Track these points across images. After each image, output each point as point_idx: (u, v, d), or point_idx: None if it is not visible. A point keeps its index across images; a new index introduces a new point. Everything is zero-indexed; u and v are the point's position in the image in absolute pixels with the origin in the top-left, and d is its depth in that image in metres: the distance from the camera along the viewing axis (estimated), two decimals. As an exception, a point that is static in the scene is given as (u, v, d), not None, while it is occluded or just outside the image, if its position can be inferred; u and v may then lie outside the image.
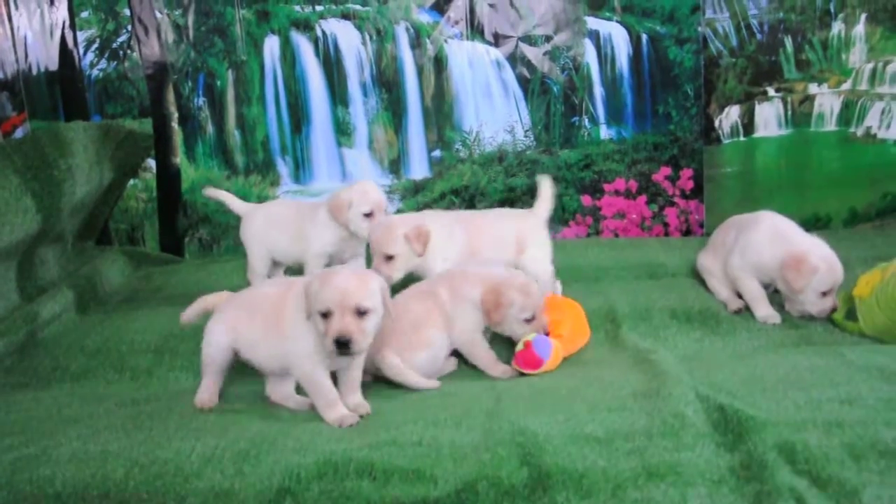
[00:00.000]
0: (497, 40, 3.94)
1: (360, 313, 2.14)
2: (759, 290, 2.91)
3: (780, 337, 2.78)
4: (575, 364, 2.61)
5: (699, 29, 3.87)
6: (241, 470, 1.92)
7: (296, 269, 3.22)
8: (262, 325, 2.33)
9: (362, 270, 2.60)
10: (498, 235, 3.01)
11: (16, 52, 3.93)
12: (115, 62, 3.95)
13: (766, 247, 2.86)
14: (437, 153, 4.03)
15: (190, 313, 2.56)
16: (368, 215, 3.02)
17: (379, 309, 2.19)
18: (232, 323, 2.41)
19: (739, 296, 2.96)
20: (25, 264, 3.28)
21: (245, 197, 4.01)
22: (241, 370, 2.78)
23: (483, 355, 2.59)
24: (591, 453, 1.90)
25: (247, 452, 1.97)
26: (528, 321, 2.55)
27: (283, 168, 4.04)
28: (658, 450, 1.89)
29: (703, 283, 3.17)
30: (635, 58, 3.93)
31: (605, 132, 4.01)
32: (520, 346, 2.54)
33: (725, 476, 1.82)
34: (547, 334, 2.58)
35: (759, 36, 3.89)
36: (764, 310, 2.88)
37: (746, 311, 2.94)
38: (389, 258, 2.88)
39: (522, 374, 2.53)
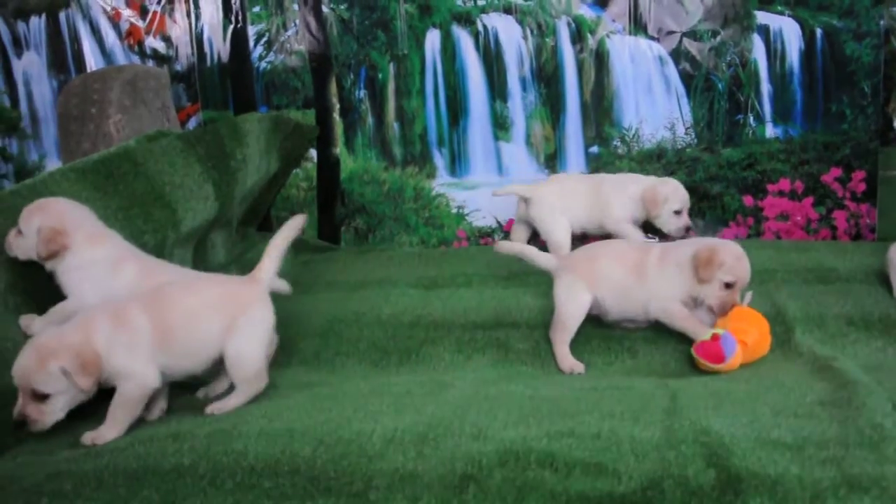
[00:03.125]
0: (660, 35, 3.86)
1: None
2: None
3: (974, 350, 2.61)
4: (748, 367, 2.53)
5: (881, 23, 3.66)
6: (421, 453, 1.94)
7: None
8: None
9: None
10: None
11: (192, 46, 4.14)
12: (283, 55, 4.09)
13: None
14: (594, 149, 3.99)
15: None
16: (678, 213, 3.28)
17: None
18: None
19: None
20: (200, 248, 3.45)
21: (401, 189, 4.11)
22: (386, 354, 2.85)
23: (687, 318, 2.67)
24: (783, 459, 1.83)
25: (425, 436, 2.00)
26: (728, 286, 2.61)
27: (440, 160, 4.09)
28: (857, 461, 1.80)
29: (882, 287, 3.00)
30: (808, 53, 3.76)
31: (770, 130, 3.85)
32: (706, 337, 2.51)
33: (936, 494, 1.71)
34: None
35: (947, 29, 3.66)
36: (954, 320, 2.71)
37: None
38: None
39: (693, 366, 2.51)
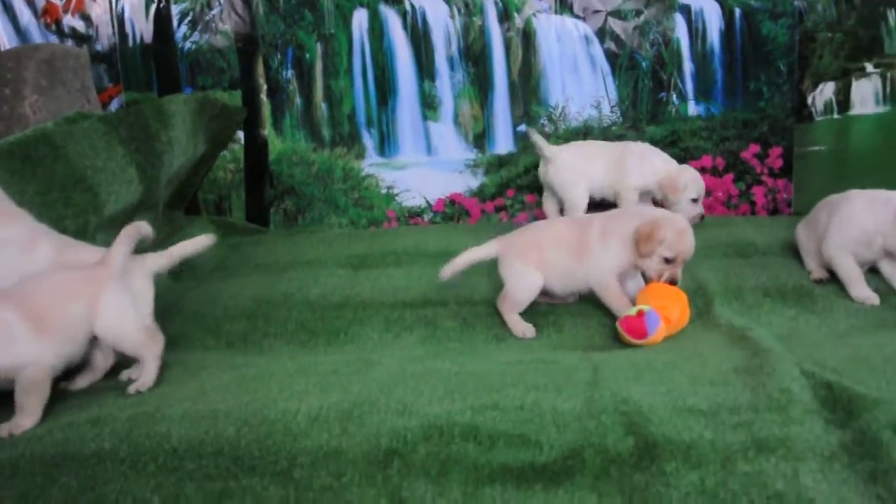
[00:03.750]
0: (586, 14, 3.90)
1: None
2: (856, 270, 2.84)
3: (880, 317, 2.71)
4: (668, 339, 2.60)
5: (795, 2, 3.77)
6: (346, 430, 1.95)
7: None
8: None
9: None
10: None
11: (113, 26, 4.04)
12: (207, 35, 4.02)
13: (867, 216, 2.82)
14: (522, 128, 4.02)
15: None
16: (695, 200, 3.44)
17: None
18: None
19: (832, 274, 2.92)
20: (123, 231, 3.39)
21: (331, 170, 4.09)
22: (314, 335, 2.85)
23: (619, 296, 2.71)
24: (697, 425, 1.88)
25: (350, 413, 2.01)
26: (669, 261, 2.64)
27: (369, 141, 4.08)
28: (766, 424, 1.87)
29: (795, 260, 3.12)
30: (727, 33, 3.86)
31: (693, 108, 3.94)
32: (632, 312, 2.55)
33: (837, 452, 1.79)
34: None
35: (858, 8, 3.77)
36: (862, 290, 2.81)
37: (829, 281, 2.91)
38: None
39: (617, 338, 2.57)
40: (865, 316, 2.73)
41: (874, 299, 2.79)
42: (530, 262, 2.81)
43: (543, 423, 1.94)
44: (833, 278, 2.92)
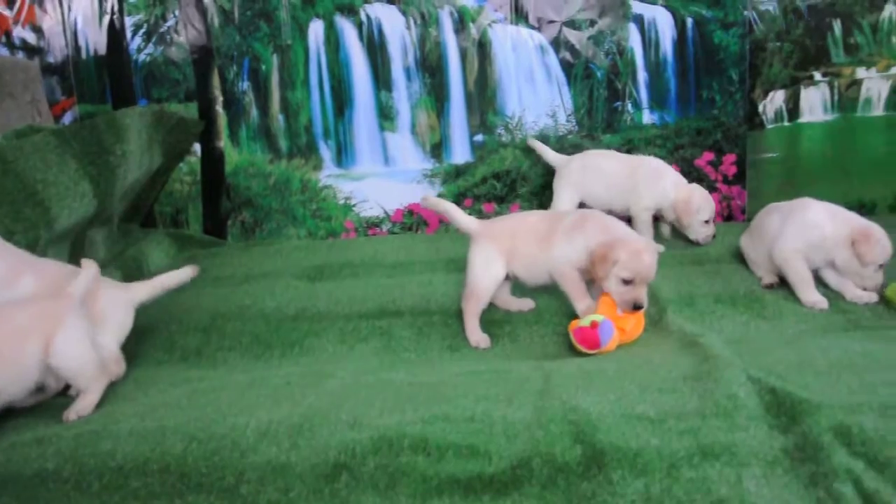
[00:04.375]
0: (541, 25, 3.93)
1: None
2: (807, 274, 2.88)
3: (827, 321, 2.75)
4: (621, 346, 2.62)
5: (745, 13, 3.83)
6: (296, 444, 1.95)
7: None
8: None
9: None
10: None
11: (66, 37, 4.00)
12: (162, 47, 3.99)
13: (828, 224, 2.87)
14: (479, 137, 4.04)
15: None
16: (707, 222, 3.43)
17: None
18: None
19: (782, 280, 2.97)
20: (77, 245, 3.35)
21: (288, 181, 4.07)
22: (269, 347, 2.84)
23: (577, 284, 2.72)
24: (645, 432, 1.90)
25: (300, 426, 2.01)
26: (627, 282, 2.59)
27: (326, 152, 4.07)
28: (712, 430, 1.89)
29: (748, 267, 3.16)
30: (680, 42, 3.90)
31: (647, 117, 3.99)
32: (585, 322, 2.55)
33: (780, 457, 1.82)
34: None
35: (806, 19, 3.85)
36: (812, 295, 2.85)
37: (779, 287, 2.95)
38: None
39: (572, 348, 2.57)
40: (814, 320, 2.78)
41: (823, 304, 2.83)
42: (502, 247, 2.82)
43: (493, 434, 1.94)
44: (783, 284, 2.96)
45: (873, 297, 2.84)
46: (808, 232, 2.89)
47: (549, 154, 3.77)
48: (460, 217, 2.94)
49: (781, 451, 1.83)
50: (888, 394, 1.95)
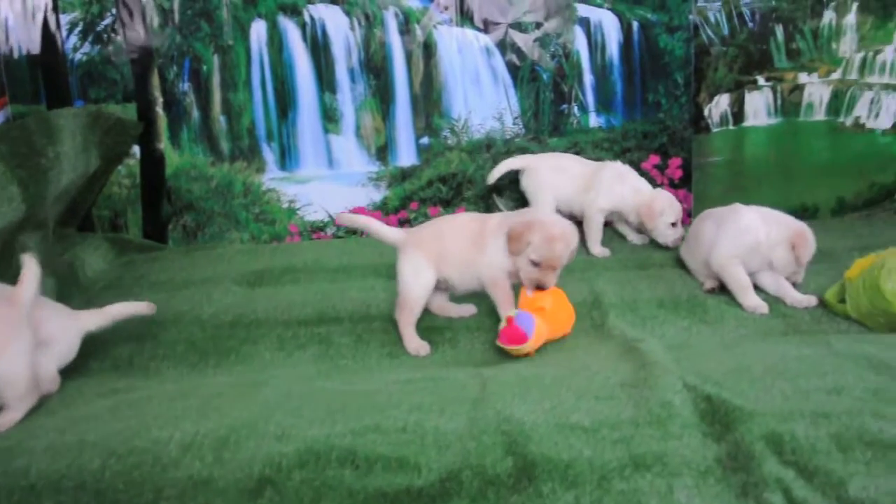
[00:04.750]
0: (487, 27, 3.90)
1: None
2: (745, 280, 2.90)
3: (767, 326, 2.77)
4: (561, 351, 2.59)
5: (690, 17, 3.83)
6: (220, 458, 1.89)
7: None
8: None
9: None
10: None
11: (-4, 36, 3.87)
12: (99, 46, 3.88)
13: (762, 228, 2.90)
14: (424, 140, 3.99)
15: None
16: (673, 224, 3.44)
17: None
18: None
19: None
20: (6, 251, 3.23)
21: (230, 185, 3.99)
22: (204, 356, 2.77)
23: (506, 292, 2.71)
24: (578, 442, 1.87)
25: (226, 439, 1.94)
26: (536, 264, 2.60)
27: (269, 155, 3.99)
28: (645, 439, 1.87)
29: (689, 272, 3.17)
30: (626, 45, 3.90)
31: (594, 120, 3.97)
32: (503, 324, 2.54)
33: (712, 466, 1.80)
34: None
35: (750, 24, 3.86)
36: (752, 300, 2.86)
37: (721, 292, 2.97)
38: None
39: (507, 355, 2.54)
40: (754, 324, 2.78)
41: (763, 308, 2.84)
42: (430, 252, 2.77)
43: (424, 445, 1.90)
44: (725, 289, 2.96)
45: (812, 301, 2.86)
46: (743, 237, 2.91)
47: (512, 161, 3.76)
48: (382, 229, 2.88)
49: (714, 461, 1.81)
50: (820, 401, 1.94)
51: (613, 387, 2.14)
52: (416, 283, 2.77)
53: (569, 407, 2.03)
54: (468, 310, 2.93)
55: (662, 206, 3.43)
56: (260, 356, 2.80)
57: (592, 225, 3.52)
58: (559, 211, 3.51)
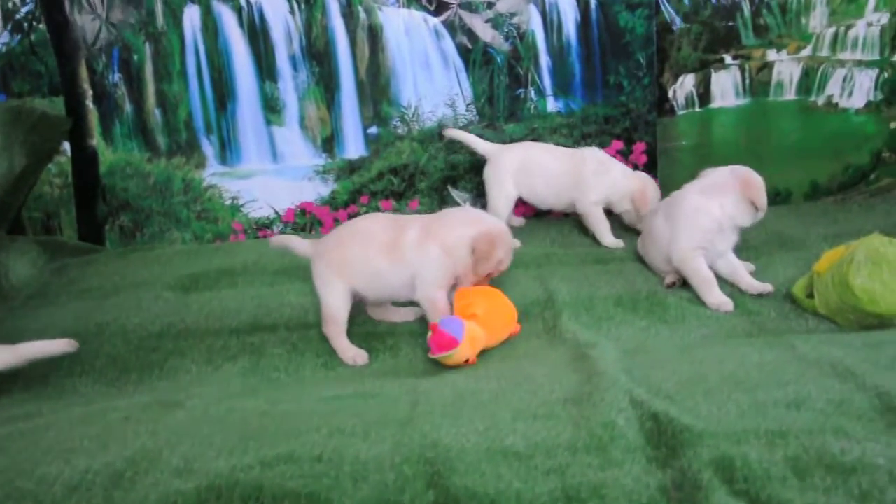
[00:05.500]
0: (435, 7, 3.66)
1: None
2: (708, 274, 2.71)
3: (731, 325, 2.58)
4: (507, 359, 2.41)
5: (651, -8, 3.61)
6: (110, 498, 1.68)
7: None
8: None
9: None
10: None
11: None
12: (20, 35, 3.63)
13: (709, 201, 2.73)
14: (373, 130, 3.76)
15: None
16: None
17: None
18: None
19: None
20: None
21: (169, 181, 3.76)
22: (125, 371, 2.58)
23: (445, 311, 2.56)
24: (507, 472, 1.68)
25: (122, 475, 1.74)
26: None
27: (209, 149, 3.75)
28: (581, 468, 1.67)
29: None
30: (583, 24, 3.67)
31: (552, 104, 3.75)
32: (429, 334, 2.37)
33: (655, 497, 1.60)
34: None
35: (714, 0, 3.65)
36: (716, 296, 2.68)
37: (682, 286, 2.79)
38: None
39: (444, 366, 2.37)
40: (717, 324, 2.60)
41: (728, 305, 2.66)
42: (332, 262, 2.59)
43: (339, 478, 1.70)
44: (686, 283, 2.77)
45: (768, 288, 2.68)
46: (697, 220, 2.71)
47: (476, 143, 3.52)
48: (298, 245, 2.72)
49: (658, 490, 1.61)
50: (778, 416, 1.75)
51: (555, 403, 1.94)
52: (330, 295, 2.60)
53: (503, 429, 1.83)
54: (411, 313, 2.73)
55: (654, 194, 3.26)
56: (186, 370, 2.60)
57: (592, 220, 3.31)
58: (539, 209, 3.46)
